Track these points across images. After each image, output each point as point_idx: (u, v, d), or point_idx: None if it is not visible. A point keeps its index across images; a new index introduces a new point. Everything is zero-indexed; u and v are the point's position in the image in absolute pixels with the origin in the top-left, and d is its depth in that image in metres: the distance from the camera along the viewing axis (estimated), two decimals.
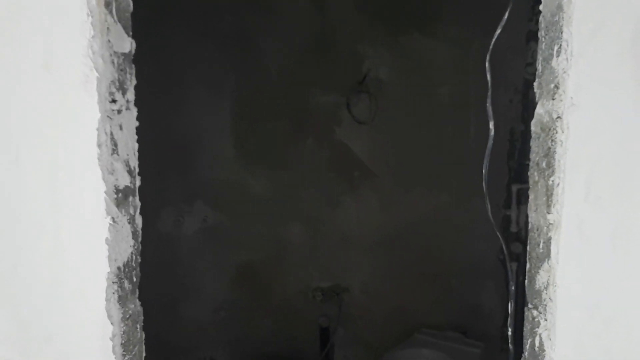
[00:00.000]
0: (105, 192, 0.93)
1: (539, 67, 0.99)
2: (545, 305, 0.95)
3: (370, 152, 2.94)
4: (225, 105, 2.99)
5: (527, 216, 2.81)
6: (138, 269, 1.08)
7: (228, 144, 3.00)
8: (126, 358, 1.02)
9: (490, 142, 0.99)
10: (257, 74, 2.95)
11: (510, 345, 2.75)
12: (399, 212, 2.96)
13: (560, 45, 0.89)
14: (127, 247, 1.02)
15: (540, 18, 0.97)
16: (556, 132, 0.90)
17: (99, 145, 0.93)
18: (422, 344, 2.67)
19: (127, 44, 1.06)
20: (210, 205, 3.03)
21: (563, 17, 0.87)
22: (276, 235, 3.02)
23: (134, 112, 1.04)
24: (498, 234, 1.16)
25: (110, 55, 0.96)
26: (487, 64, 1.00)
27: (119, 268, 0.98)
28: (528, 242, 1.03)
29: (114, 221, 0.95)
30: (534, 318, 1.00)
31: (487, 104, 1.00)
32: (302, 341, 3.05)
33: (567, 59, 0.87)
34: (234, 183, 3.01)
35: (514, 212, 2.82)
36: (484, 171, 1.00)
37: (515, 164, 2.88)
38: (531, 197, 1.03)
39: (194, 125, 2.97)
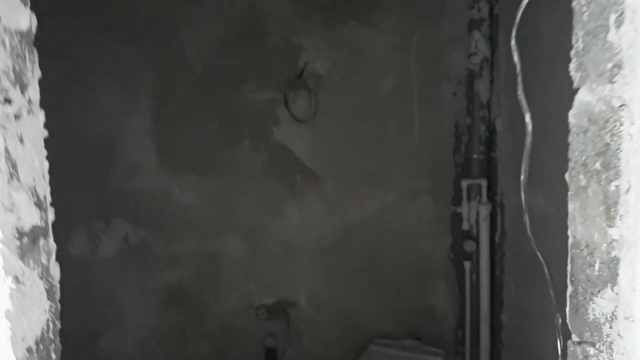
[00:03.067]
0: (2, 241, 0.60)
1: (578, 44, 0.79)
2: (611, 343, 0.75)
3: (312, 153, 2.69)
4: (143, 105, 2.61)
5: (477, 213, 2.66)
6: (58, 339, 0.76)
7: (148, 150, 2.62)
8: None
9: (529, 138, 0.77)
10: (179, 69, 2.60)
11: (466, 347, 2.63)
12: (344, 216, 2.74)
13: (622, 13, 0.69)
14: (41, 315, 0.69)
15: None
16: (621, 125, 0.71)
17: None
18: (380, 357, 2.48)
19: (25, 19, 0.73)
20: (131, 221, 2.64)
21: None
22: (210, 250, 2.69)
23: (40, 117, 0.72)
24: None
25: None
26: (512, 43, 0.77)
27: (30, 350, 0.66)
28: (570, 260, 0.84)
29: (17, 282, 0.63)
30: (588, 356, 0.80)
31: (519, 92, 0.78)
32: None
33: (636, 29, 0.67)
34: (157, 194, 2.65)
35: (464, 209, 2.70)
36: (522, 177, 0.79)
37: (461, 159, 2.77)
38: (573, 205, 0.83)
39: (105, 129, 2.57)
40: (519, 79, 0.79)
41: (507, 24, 2.57)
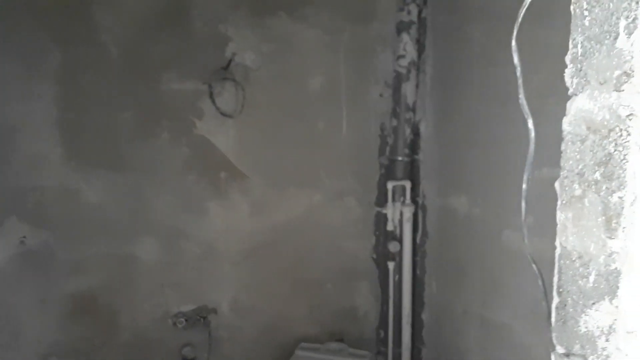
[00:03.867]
0: None
1: (577, 50, 0.77)
2: (607, 357, 0.74)
3: (238, 150, 2.55)
4: (46, 91, 2.32)
5: (401, 214, 2.68)
6: None
7: (52, 141, 2.33)
8: None
9: (532, 145, 0.73)
10: (91, 53, 2.34)
11: (389, 347, 2.65)
12: (270, 216, 2.64)
13: (636, 18, 0.67)
14: None
15: None
16: (628, 134, 0.69)
17: None
18: None
19: None
20: (30, 221, 2.33)
21: None
22: (122, 254, 2.46)
23: None
24: None
25: None
26: (513, 44, 0.73)
27: None
28: (558, 270, 0.82)
29: None
30: None
31: (520, 96, 0.74)
32: None
33: None
34: (61, 191, 2.36)
35: (389, 210, 2.71)
36: (524, 186, 0.75)
37: (386, 160, 2.78)
38: (564, 215, 0.81)
39: (1, 117, 2.23)
40: (520, 82, 0.75)
41: (435, 27, 2.62)
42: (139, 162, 2.44)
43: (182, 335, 2.53)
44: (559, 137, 0.79)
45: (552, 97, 1.30)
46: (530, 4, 0.77)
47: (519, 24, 0.73)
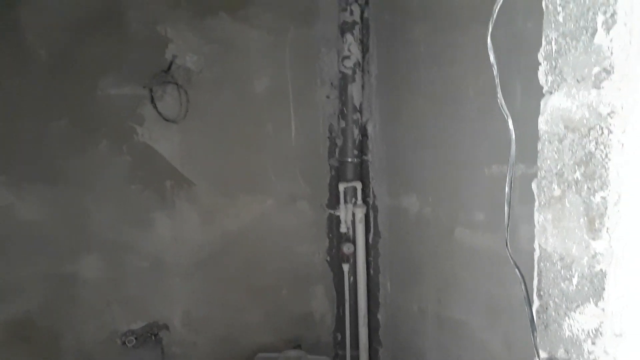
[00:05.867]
0: None
1: (551, 47, 0.75)
2: None
3: (184, 156, 2.44)
4: None
5: (354, 215, 2.66)
6: None
7: None
8: None
9: (513, 146, 0.71)
10: (17, 57, 2.15)
11: (347, 350, 2.62)
12: (221, 224, 2.54)
13: (614, 13, 0.66)
14: None
15: None
16: (610, 132, 0.68)
17: None
18: None
19: None
20: None
21: None
22: (62, 273, 2.28)
23: None
24: None
25: None
26: (488, 42, 0.71)
27: None
28: (537, 273, 0.80)
29: None
30: None
31: (498, 97, 0.71)
32: None
33: (630, 31, 0.64)
34: None
35: (342, 212, 2.67)
36: (507, 189, 0.72)
37: (336, 162, 2.75)
38: (542, 216, 0.79)
39: None
40: (497, 81, 0.72)
41: (378, 28, 2.61)
42: (77, 174, 2.27)
43: (133, 355, 2.38)
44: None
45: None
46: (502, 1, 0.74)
47: (493, 21, 0.70)
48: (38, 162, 2.21)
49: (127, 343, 2.35)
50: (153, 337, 2.40)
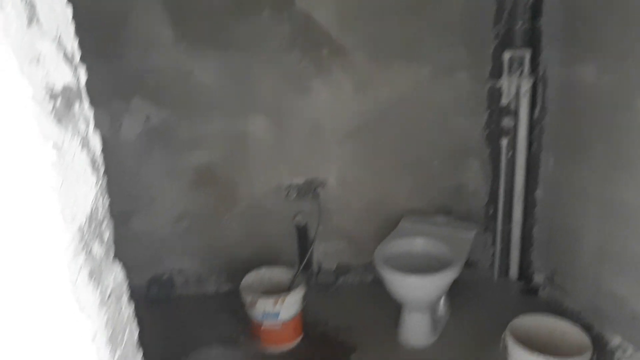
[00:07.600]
0: (33, 99, 0.48)
1: None
2: None
3: (340, 23, 2.46)
4: None
5: (518, 87, 2.46)
6: (109, 216, 0.67)
7: (163, 24, 2.41)
8: (117, 354, 0.65)
9: None
10: None
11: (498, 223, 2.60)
12: (375, 94, 2.58)
13: None
14: (89, 189, 0.60)
15: None
16: None
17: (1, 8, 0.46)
18: (414, 232, 2.46)
19: None
20: (151, 101, 2.51)
21: None
22: (236, 131, 2.59)
23: None
24: None
25: None
26: None
27: (81, 228, 0.57)
28: None
29: (58, 151, 0.52)
30: None
31: None
32: (277, 242, 2.78)
33: None
34: (176, 72, 2.48)
35: (505, 83, 2.51)
36: None
37: (503, 28, 2.52)
38: None
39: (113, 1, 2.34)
40: None
41: None
42: (243, 41, 2.45)
43: (295, 205, 2.69)
44: None
45: None
46: None
47: None
48: (211, 31, 2.43)
49: (289, 195, 2.65)
50: (312, 192, 2.65)
